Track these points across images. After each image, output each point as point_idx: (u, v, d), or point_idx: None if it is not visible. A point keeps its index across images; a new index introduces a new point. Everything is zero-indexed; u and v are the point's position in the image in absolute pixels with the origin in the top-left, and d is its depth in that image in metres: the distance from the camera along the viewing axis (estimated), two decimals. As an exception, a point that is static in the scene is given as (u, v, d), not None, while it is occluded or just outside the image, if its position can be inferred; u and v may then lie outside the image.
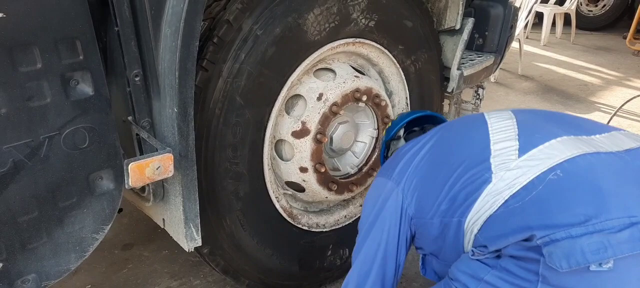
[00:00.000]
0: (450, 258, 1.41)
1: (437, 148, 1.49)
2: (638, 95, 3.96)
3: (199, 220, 1.52)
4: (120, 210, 1.39)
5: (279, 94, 1.78)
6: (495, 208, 1.23)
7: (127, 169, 1.24)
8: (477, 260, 1.28)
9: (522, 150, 1.26)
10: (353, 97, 1.95)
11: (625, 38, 7.06)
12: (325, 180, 1.99)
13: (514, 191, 1.20)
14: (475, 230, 1.28)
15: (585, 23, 8.25)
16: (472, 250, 1.31)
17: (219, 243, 1.82)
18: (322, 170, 1.93)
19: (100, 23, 1.30)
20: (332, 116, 1.91)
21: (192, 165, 1.43)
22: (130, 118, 1.41)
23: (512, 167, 1.23)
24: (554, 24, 7.33)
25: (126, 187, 1.28)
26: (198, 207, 1.49)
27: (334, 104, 1.89)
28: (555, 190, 1.15)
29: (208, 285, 2.35)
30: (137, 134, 1.42)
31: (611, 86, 5.56)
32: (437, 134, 1.54)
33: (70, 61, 1.14)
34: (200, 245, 1.57)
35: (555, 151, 1.22)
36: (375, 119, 2.14)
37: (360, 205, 2.27)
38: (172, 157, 1.33)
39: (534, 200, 1.16)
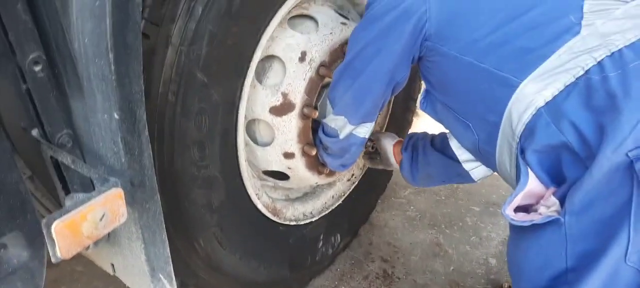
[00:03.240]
0: (471, 116, 1.05)
1: None
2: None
3: (171, 265, 1.03)
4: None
5: (252, 58, 1.27)
6: (575, 77, 0.84)
7: (51, 233, 0.71)
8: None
9: None
10: (342, 52, 1.48)
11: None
12: (316, 163, 1.55)
13: (610, 51, 0.81)
14: (541, 103, 0.88)
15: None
16: (522, 148, 0.92)
17: (192, 271, 1.35)
18: (313, 152, 1.48)
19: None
20: (319, 81, 1.44)
21: (153, 195, 0.92)
22: (35, 132, 0.85)
23: (618, 16, 0.83)
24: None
25: (54, 260, 0.75)
26: (168, 250, 1.00)
27: (322, 64, 1.42)
28: None
29: (169, 302, 1.87)
30: (52, 157, 0.87)
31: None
32: None
33: None
34: (177, 296, 1.09)
35: None
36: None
37: (348, 180, 1.88)
38: (122, 194, 0.82)
39: (636, 73, 0.79)
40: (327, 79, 1.49)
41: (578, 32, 0.85)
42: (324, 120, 1.40)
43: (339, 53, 1.47)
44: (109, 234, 1.01)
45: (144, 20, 1.01)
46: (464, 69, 1.01)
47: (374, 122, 1.37)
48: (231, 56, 1.19)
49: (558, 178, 0.91)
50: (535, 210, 0.93)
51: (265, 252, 1.55)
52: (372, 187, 2.05)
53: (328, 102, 1.38)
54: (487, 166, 1.15)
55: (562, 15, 0.87)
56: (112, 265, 1.10)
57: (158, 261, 0.99)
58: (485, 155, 1.09)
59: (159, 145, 1.11)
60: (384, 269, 1.99)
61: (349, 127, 1.34)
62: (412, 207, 2.34)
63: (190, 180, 1.20)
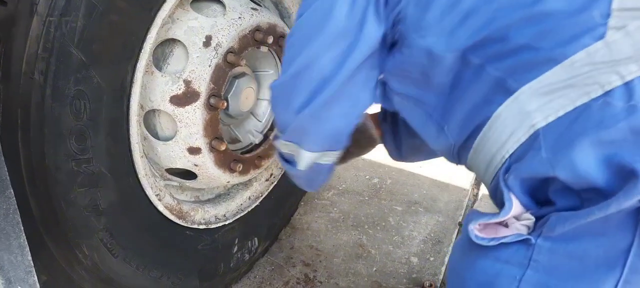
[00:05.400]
0: (449, 116, 0.85)
1: None
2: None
3: (35, 276, 0.86)
4: None
5: (145, 39, 1.13)
6: (590, 98, 0.66)
7: None
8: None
9: None
10: (253, 40, 1.38)
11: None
12: (226, 160, 1.42)
13: None
14: (540, 123, 0.70)
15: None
16: (507, 168, 0.75)
17: (74, 283, 1.16)
18: (222, 147, 1.36)
19: None
20: (228, 69, 1.32)
21: (3, 191, 0.75)
22: None
23: None
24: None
25: None
26: (30, 257, 0.83)
27: (230, 50, 1.30)
28: None
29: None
30: None
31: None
32: None
33: None
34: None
35: None
36: (279, 67, 1.60)
37: (266, 180, 1.77)
38: (-49, 184, 0.65)
39: None
40: (237, 68, 1.38)
41: (602, 36, 0.64)
42: (277, 144, 1.08)
43: (249, 40, 1.36)
44: (-50, 241, 0.82)
45: (-2, -18, 0.84)
46: (449, 64, 0.79)
47: (340, 150, 1.04)
48: (117, 34, 1.04)
49: (542, 200, 0.76)
50: (506, 225, 0.77)
51: (168, 260, 1.39)
52: (293, 188, 1.95)
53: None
54: (455, 161, 0.94)
55: (582, 8, 0.66)
56: (-39, 280, 0.91)
57: (15, 271, 0.82)
58: (458, 156, 0.90)
59: (24, 134, 0.94)
60: (306, 274, 1.89)
61: (308, 155, 1.00)
62: (335, 209, 2.27)
63: (68, 176, 1.02)
